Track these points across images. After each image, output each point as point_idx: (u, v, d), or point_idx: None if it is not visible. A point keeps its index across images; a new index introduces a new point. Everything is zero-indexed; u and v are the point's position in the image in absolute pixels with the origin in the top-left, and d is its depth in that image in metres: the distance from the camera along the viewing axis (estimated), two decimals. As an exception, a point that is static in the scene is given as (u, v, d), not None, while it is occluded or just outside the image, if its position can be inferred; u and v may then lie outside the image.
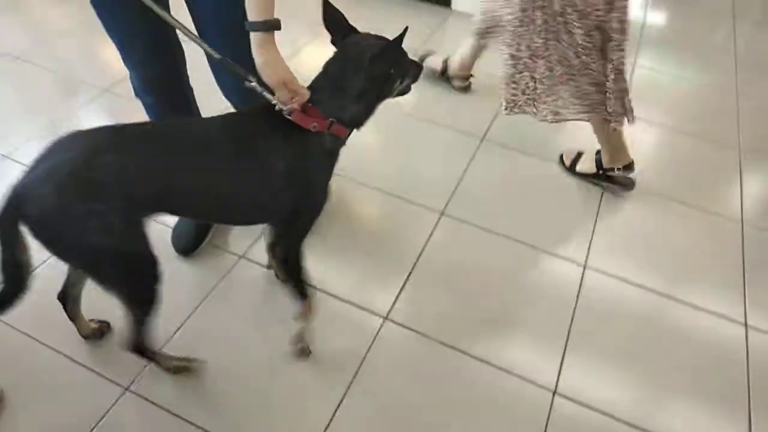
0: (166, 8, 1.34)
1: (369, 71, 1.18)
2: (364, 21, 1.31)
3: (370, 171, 1.95)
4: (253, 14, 1.12)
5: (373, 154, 2.07)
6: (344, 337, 1.54)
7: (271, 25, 1.12)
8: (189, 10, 1.35)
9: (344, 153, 1.31)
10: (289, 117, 1.17)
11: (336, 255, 1.74)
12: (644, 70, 2.77)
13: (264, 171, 1.18)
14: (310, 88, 1.22)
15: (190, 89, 1.58)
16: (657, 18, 3.32)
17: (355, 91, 1.20)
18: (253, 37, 1.13)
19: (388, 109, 2.27)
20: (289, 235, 1.33)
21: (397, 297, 1.64)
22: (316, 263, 1.69)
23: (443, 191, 1.99)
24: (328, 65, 1.24)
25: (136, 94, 1.52)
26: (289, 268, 1.37)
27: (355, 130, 1.28)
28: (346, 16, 1.27)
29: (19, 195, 1.03)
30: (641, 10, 3.34)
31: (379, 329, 1.55)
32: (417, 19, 2.95)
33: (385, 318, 1.58)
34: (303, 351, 1.47)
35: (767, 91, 2.70)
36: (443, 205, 1.94)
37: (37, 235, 1.04)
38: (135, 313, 1.23)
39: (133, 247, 1.13)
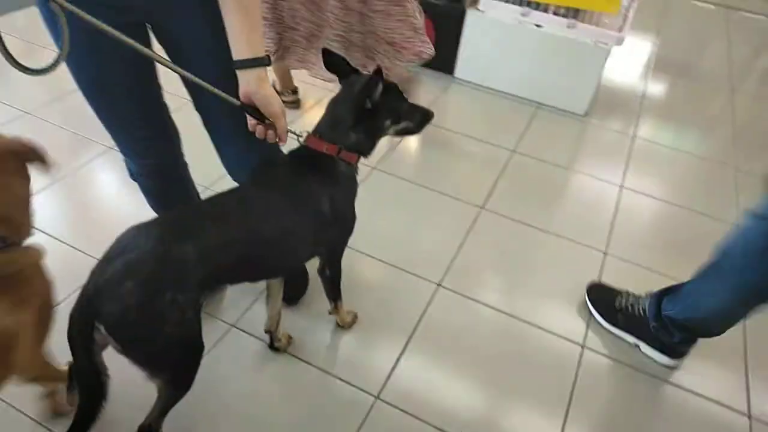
0: (155, 74, 1.33)
1: (356, 103, 1.27)
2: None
3: (366, 239, 1.94)
4: (252, 50, 1.10)
5: (371, 221, 2.07)
6: (333, 418, 1.49)
7: (269, 59, 1.14)
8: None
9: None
10: (300, 143, 1.29)
11: (328, 327, 1.71)
12: (642, 142, 2.80)
13: (316, 210, 1.28)
14: (316, 126, 1.32)
15: (186, 168, 1.58)
16: (656, 89, 3.38)
17: (349, 121, 1.29)
18: (254, 73, 1.12)
19: (387, 176, 2.29)
20: (333, 258, 1.50)
21: (389, 375, 1.59)
22: (306, 336, 1.67)
23: (441, 261, 1.98)
24: (329, 104, 1.34)
25: (132, 178, 1.50)
26: (333, 280, 1.56)
27: (363, 159, 1.36)
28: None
29: (96, 294, 1.01)
30: (641, 81, 3.42)
31: (369, 410, 1.50)
32: (425, 86, 3.03)
33: (377, 397, 1.53)
34: (353, 320, 1.72)
35: (767, 165, 2.70)
36: (440, 276, 1.92)
37: (116, 334, 1.02)
38: (169, 396, 1.20)
39: (195, 332, 1.14)
